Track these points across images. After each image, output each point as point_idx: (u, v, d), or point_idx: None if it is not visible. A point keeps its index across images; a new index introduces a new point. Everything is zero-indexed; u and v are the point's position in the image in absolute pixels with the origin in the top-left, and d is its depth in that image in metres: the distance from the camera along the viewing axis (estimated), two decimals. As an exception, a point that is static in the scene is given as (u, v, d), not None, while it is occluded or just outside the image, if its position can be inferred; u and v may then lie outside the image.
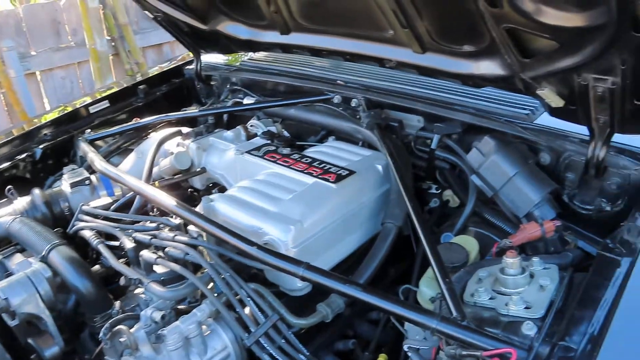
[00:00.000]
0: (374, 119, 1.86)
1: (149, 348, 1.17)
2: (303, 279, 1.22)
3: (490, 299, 1.21)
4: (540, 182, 1.54)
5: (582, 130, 1.42)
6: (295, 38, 2.09)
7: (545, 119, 1.55)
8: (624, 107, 1.16)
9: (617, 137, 1.35)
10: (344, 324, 1.61)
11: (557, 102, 1.30)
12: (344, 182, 1.57)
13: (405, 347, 1.16)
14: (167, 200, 1.50)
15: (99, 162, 1.81)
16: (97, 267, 1.58)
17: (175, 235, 1.43)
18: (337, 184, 1.56)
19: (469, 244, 1.52)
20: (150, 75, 2.69)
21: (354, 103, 2.01)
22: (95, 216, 1.70)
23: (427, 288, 1.39)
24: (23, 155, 2.08)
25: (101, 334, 1.18)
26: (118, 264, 1.43)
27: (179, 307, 1.39)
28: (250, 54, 2.62)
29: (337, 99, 2.07)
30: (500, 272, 1.26)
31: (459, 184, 1.77)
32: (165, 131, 2.06)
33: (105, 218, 1.68)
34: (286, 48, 2.19)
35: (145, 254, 1.40)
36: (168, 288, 1.31)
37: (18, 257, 1.54)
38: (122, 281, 1.34)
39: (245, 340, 1.23)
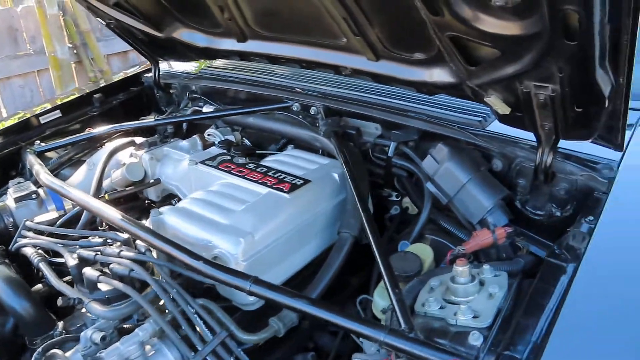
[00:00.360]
0: (331, 127, 1.84)
1: (87, 373, 1.12)
2: (250, 293, 1.19)
3: (440, 308, 1.20)
4: (493, 189, 1.54)
5: (532, 136, 1.43)
6: (252, 45, 2.06)
7: (497, 126, 1.56)
8: (566, 114, 1.17)
9: (564, 143, 1.36)
10: (303, 336, 1.58)
11: (503, 109, 1.30)
12: (298, 192, 1.55)
13: (353, 361, 1.14)
14: (113, 213, 1.44)
15: (44, 175, 1.74)
16: (39, 286, 1.51)
17: (121, 251, 1.38)
18: (291, 193, 1.53)
19: (424, 252, 1.51)
20: (107, 83, 2.62)
21: (312, 111, 2.00)
22: (42, 232, 1.63)
23: (381, 298, 1.37)
24: (-34, 169, 1.99)
25: (33, 359, 1.12)
26: (59, 283, 1.37)
27: (125, 326, 1.34)
28: (211, 62, 2.58)
29: (295, 106, 2.06)
30: (451, 280, 1.25)
31: (416, 191, 1.77)
32: (117, 141, 2.00)
33: (51, 234, 1.61)
34: (244, 56, 2.16)
35: (88, 271, 1.34)
36: (110, 307, 1.26)
37: (-46, 277, 1.46)
38: (59, 301, 1.28)
39: (192, 359, 1.19)
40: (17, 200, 1.81)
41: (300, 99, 2.05)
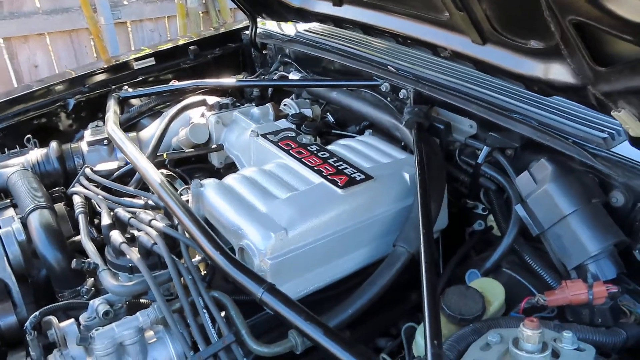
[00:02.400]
0: (415, 117, 1.56)
1: (78, 348, 1.04)
2: (260, 302, 1.01)
3: (491, 376, 0.93)
4: (604, 230, 1.18)
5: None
6: (347, 11, 1.84)
7: (627, 149, 1.18)
8: None
9: None
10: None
11: (636, 129, 0.94)
12: (354, 189, 1.32)
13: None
14: (154, 177, 1.35)
15: (110, 123, 1.71)
16: (79, 237, 1.48)
17: (152, 220, 1.29)
18: (345, 189, 1.31)
19: (493, 290, 1.21)
20: (204, 36, 2.56)
21: (402, 94, 1.74)
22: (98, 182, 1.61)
23: (423, 339, 1.12)
24: (55, 105, 2.05)
25: (27, 324, 1.07)
26: (86, 241, 1.32)
27: (142, 300, 1.25)
28: (308, 26, 2.40)
29: (385, 87, 1.81)
30: (513, 343, 0.96)
31: (503, 211, 1.45)
32: (190, 99, 1.92)
33: (105, 186, 1.58)
34: (338, 22, 1.94)
35: (114, 235, 1.27)
36: (123, 280, 1.17)
37: (8, 212, 1.49)
38: (73, 263, 1.22)
39: (189, 359, 1.06)
40: (90, 144, 1.82)
41: (391, 79, 1.79)
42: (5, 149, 1.86)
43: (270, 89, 2.25)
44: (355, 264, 1.32)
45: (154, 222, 1.27)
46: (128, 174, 1.66)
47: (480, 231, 1.61)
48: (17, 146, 1.87)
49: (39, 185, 1.53)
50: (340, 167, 1.41)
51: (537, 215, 1.27)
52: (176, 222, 1.29)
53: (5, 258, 1.30)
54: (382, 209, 1.36)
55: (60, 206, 1.55)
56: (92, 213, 1.51)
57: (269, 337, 1.16)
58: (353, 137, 1.71)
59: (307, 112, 1.89)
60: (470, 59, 1.42)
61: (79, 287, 1.34)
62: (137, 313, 1.08)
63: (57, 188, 1.65)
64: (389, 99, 1.82)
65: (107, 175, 1.63)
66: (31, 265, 1.38)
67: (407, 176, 1.42)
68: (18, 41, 4.24)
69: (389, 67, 1.86)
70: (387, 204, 1.37)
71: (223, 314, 1.17)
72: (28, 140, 1.84)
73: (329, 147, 1.58)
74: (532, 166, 1.33)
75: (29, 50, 4.34)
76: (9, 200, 1.54)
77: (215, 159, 1.82)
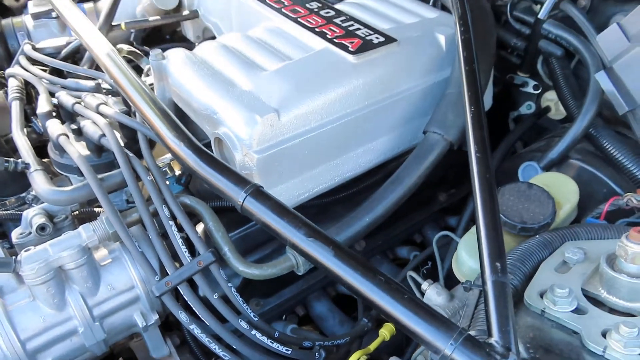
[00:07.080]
0: (452, -40, 1.14)
1: (7, 274, 0.77)
2: (243, 211, 0.71)
3: (574, 311, 0.65)
4: None
5: None
6: None
7: None
8: None
9: None
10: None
11: None
12: (370, 55, 0.96)
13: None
14: (102, 49, 1.00)
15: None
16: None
17: (101, 104, 0.96)
18: (358, 55, 0.95)
19: (563, 188, 0.91)
20: None
21: None
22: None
23: (468, 254, 0.83)
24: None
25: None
26: (18, 134, 1.00)
27: (98, 209, 0.97)
28: None
29: None
30: (607, 262, 0.66)
31: (570, 84, 1.09)
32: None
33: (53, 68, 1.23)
34: None
35: (51, 125, 0.95)
36: (58, 185, 0.87)
37: None
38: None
39: (153, 287, 0.78)
40: (35, 16, 1.44)
41: None
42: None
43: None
44: (373, 158, 1.00)
45: (103, 108, 0.95)
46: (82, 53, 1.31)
47: (530, 116, 1.28)
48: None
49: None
50: (350, 28, 1.03)
51: (629, 86, 0.91)
52: (133, 108, 0.96)
53: None
54: (409, 83, 1.01)
55: (-1, 94, 1.23)
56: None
57: (263, 253, 0.89)
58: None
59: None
60: None
61: (24, 194, 1.06)
62: (80, 227, 0.79)
63: (-3, 71, 1.31)
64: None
65: (54, 53, 1.28)
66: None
67: (442, 39, 1.04)
68: None
69: None
70: (416, 76, 1.01)
71: (201, 228, 0.89)
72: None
73: (336, 5, 1.18)
74: (620, 18, 0.94)
75: None
76: None
77: (190, 31, 1.44)
